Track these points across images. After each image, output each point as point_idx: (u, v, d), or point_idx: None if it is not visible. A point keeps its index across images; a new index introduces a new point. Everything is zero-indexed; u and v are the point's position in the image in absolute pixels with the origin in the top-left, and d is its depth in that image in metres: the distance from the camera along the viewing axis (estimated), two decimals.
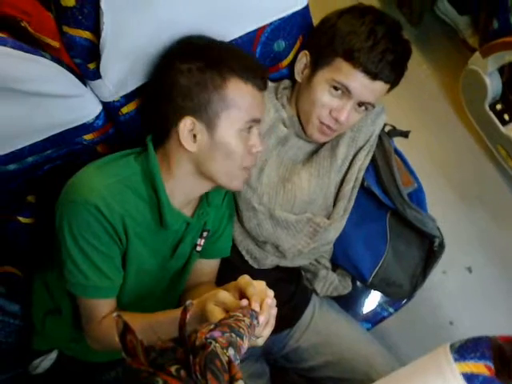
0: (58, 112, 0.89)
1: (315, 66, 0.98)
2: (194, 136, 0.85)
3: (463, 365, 0.52)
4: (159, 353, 0.47)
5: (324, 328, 1.16)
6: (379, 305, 1.26)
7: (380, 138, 1.07)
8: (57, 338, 1.01)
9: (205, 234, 0.99)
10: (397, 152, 1.09)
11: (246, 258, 1.07)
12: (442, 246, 1.11)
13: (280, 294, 1.10)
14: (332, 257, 1.18)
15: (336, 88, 0.96)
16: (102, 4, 0.73)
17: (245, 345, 0.54)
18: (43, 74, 0.77)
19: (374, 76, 0.93)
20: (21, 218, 1.08)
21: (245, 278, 0.71)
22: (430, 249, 1.13)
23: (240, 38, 0.97)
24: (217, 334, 0.51)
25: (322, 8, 1.06)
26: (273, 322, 0.69)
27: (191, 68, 0.83)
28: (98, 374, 1.04)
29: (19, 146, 0.92)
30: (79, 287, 0.86)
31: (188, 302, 0.51)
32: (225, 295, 0.68)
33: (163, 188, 0.87)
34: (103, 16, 0.74)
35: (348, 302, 1.25)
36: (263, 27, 0.98)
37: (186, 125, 0.84)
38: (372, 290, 1.27)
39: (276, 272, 1.10)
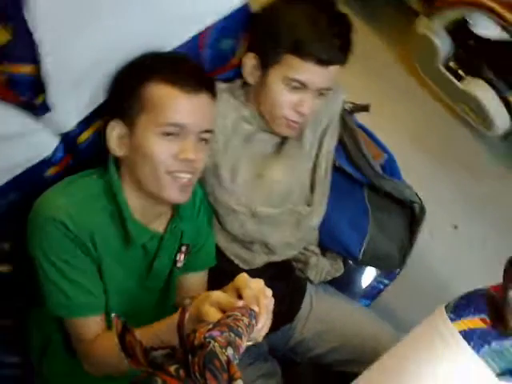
0: (13, 153, 0.87)
1: (264, 65, 0.97)
2: (121, 140, 0.85)
3: (460, 323, 0.52)
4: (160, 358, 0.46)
5: (324, 314, 1.16)
6: (374, 279, 1.27)
7: (342, 116, 1.08)
8: (54, 376, 0.98)
9: (183, 248, 0.97)
10: (361, 127, 1.10)
11: (236, 262, 1.07)
12: (422, 210, 1.12)
13: (275, 290, 1.10)
14: (319, 242, 1.18)
15: (291, 84, 0.95)
16: (37, 35, 0.71)
17: (243, 344, 0.54)
18: None
19: (327, 63, 0.93)
20: (1, 269, 1.05)
21: (243, 277, 0.68)
22: (411, 215, 1.14)
23: (185, 44, 0.96)
24: (215, 333, 0.50)
25: None
26: (269, 322, 0.68)
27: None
28: None
29: None
30: (62, 308, 0.84)
31: (187, 302, 0.51)
32: (218, 295, 0.66)
33: (124, 201, 0.86)
34: (40, 47, 0.72)
35: (343, 283, 1.25)
36: (206, 30, 0.97)
37: (110, 129, 0.85)
38: (364, 267, 1.28)
39: (267, 269, 1.09)
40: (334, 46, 0.92)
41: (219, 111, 0.99)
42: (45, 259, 0.82)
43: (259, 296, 0.65)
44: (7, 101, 0.82)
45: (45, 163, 0.92)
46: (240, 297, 0.67)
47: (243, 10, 1.00)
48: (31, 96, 0.82)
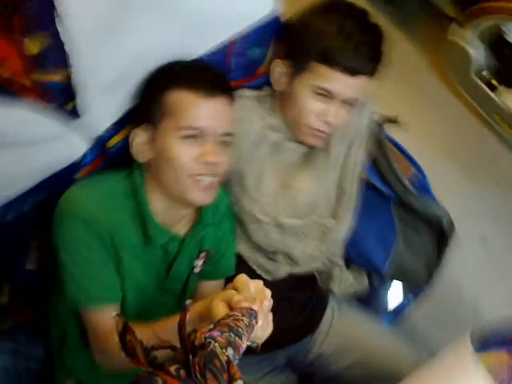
0: (44, 157, 0.89)
1: (292, 73, 0.97)
2: (144, 146, 0.88)
3: (485, 356, 0.50)
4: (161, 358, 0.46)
5: (345, 329, 1.15)
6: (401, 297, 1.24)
7: (371, 128, 1.06)
8: (72, 369, 1.00)
9: (202, 254, 0.97)
10: (390, 140, 1.08)
11: (258, 272, 1.06)
12: (451, 227, 1.09)
13: (296, 301, 1.11)
14: (344, 254, 1.17)
15: (318, 93, 0.95)
16: (68, 46, 0.72)
17: (244, 344, 0.54)
18: (20, 124, 0.78)
19: (354, 72, 0.92)
20: (28, 265, 1.07)
21: (242, 278, 0.68)
22: (440, 231, 1.11)
23: (211, 52, 0.97)
24: (216, 333, 0.50)
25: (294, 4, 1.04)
26: (269, 327, 0.67)
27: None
28: None
29: (12, 195, 0.92)
30: (79, 300, 0.87)
31: (188, 302, 0.52)
32: (233, 293, 0.66)
33: (145, 203, 0.89)
34: (70, 57, 0.74)
35: (367, 298, 1.24)
36: (235, 38, 0.97)
37: (132, 136, 0.88)
38: (390, 282, 1.26)
39: (290, 280, 1.09)
40: (362, 56, 0.91)
41: (244, 118, 0.99)
42: (65, 252, 0.86)
43: (260, 295, 0.66)
44: (39, 106, 0.84)
45: (75, 166, 0.94)
46: None
47: (274, 19, 1.00)
48: (62, 103, 0.83)
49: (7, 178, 0.90)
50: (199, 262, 0.98)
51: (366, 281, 1.18)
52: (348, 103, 0.97)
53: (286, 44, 0.99)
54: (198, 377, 0.44)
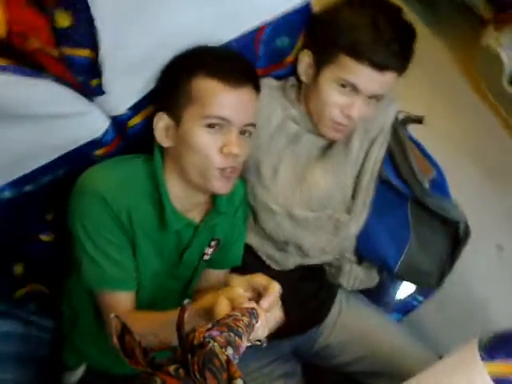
0: (66, 131, 0.89)
1: (319, 64, 0.96)
2: (168, 131, 0.87)
3: (491, 365, 0.49)
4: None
5: (352, 323, 1.15)
6: (408, 294, 1.24)
7: (394, 127, 1.04)
8: (83, 351, 1.02)
9: (213, 243, 0.98)
10: (412, 139, 1.06)
11: (268, 262, 1.06)
12: (466, 231, 1.08)
13: (304, 291, 1.11)
14: (356, 249, 1.16)
15: (343, 86, 0.93)
16: (97, 22, 0.73)
17: (243, 344, 0.54)
18: (45, 96, 0.78)
19: (382, 68, 0.90)
20: (43, 237, 1.09)
21: (238, 292, 0.66)
22: (455, 234, 1.10)
23: (240, 38, 0.96)
24: (215, 333, 0.50)
25: None
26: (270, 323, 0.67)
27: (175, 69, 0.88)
28: None
29: (32, 168, 0.93)
30: (96, 281, 0.88)
31: (186, 301, 0.52)
32: (237, 292, 0.66)
33: (164, 187, 0.88)
34: (99, 33, 0.74)
35: (377, 294, 1.23)
36: (264, 25, 0.97)
37: (157, 119, 0.87)
38: (401, 282, 1.25)
39: (299, 271, 1.09)
40: (391, 52, 0.89)
41: (265, 108, 0.99)
42: (83, 232, 0.85)
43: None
44: (65, 80, 0.85)
45: (94, 143, 0.94)
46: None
47: (305, 9, 0.99)
48: (87, 79, 0.84)
49: (29, 149, 0.91)
50: (209, 250, 0.98)
51: (376, 277, 1.17)
52: (373, 99, 0.96)
53: (315, 34, 0.98)
54: (198, 376, 0.44)
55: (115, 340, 0.46)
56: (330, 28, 0.93)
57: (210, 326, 0.52)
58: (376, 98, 0.96)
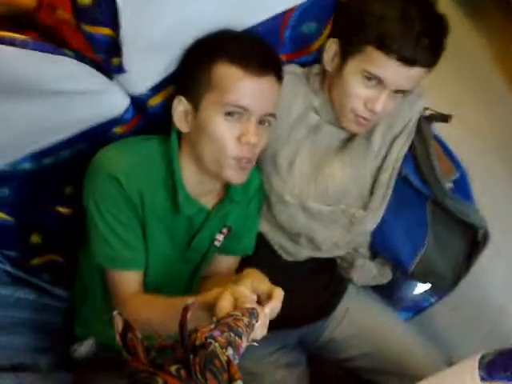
0: (86, 107, 0.90)
1: (345, 54, 0.92)
2: (187, 116, 0.86)
3: None
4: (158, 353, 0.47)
5: (360, 319, 1.14)
6: (421, 293, 1.22)
7: (419, 124, 1.01)
8: (91, 324, 1.04)
9: (224, 230, 0.98)
10: (437, 138, 1.03)
11: (279, 252, 1.06)
12: (486, 236, 1.04)
13: (314, 283, 1.11)
14: (370, 245, 1.14)
15: (369, 78, 0.90)
16: (118, 1, 0.71)
17: (243, 344, 0.54)
18: (65, 72, 0.78)
19: (411, 63, 0.86)
20: (60, 209, 1.11)
21: (244, 291, 0.66)
22: (473, 238, 1.07)
23: (266, 21, 0.93)
24: (216, 333, 0.50)
25: None
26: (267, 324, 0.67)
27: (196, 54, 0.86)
28: None
29: (53, 141, 0.94)
30: (105, 258, 0.89)
31: (189, 301, 0.51)
32: (242, 292, 0.65)
33: (178, 172, 0.88)
34: (120, 12, 0.73)
35: (388, 291, 1.22)
36: (291, 10, 0.94)
37: (176, 102, 0.86)
38: (415, 281, 1.23)
39: (309, 262, 1.08)
40: (421, 46, 0.85)
41: (286, 96, 0.96)
42: (96, 210, 0.86)
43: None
44: (87, 56, 0.85)
45: (114, 121, 0.95)
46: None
47: None
48: (108, 56, 0.83)
49: (49, 123, 0.91)
50: (221, 237, 0.98)
51: (389, 274, 1.15)
52: (399, 94, 0.92)
53: (343, 23, 0.95)
54: (199, 377, 0.44)
55: (117, 338, 0.46)
56: (359, 18, 0.89)
57: (212, 326, 0.52)
58: (402, 92, 0.92)
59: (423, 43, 0.85)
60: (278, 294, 0.68)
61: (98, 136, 0.96)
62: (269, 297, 0.68)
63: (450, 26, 0.90)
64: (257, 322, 0.61)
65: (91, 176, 0.87)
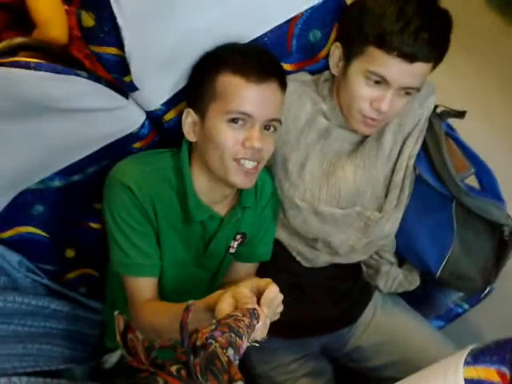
0: (104, 124, 0.96)
1: (348, 57, 0.93)
2: (195, 126, 0.90)
3: (471, 369, 0.46)
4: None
5: (387, 326, 1.11)
6: (452, 301, 1.16)
7: (430, 121, 0.99)
8: None
9: (238, 236, 1.00)
10: (450, 134, 1.00)
11: (298, 258, 1.06)
12: None
13: (336, 291, 1.09)
14: (396, 251, 1.12)
15: (373, 78, 0.90)
16: (119, 20, 0.77)
17: (244, 345, 0.54)
18: (79, 91, 0.84)
19: (411, 59, 0.86)
20: (92, 224, 1.17)
21: (244, 292, 0.67)
22: (500, 238, 1.02)
23: (271, 32, 0.96)
24: (217, 333, 0.51)
25: None
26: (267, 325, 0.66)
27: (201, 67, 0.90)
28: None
29: (77, 158, 1.01)
30: (122, 266, 0.93)
31: (190, 302, 0.52)
32: (243, 293, 0.66)
33: (189, 180, 0.92)
34: (122, 31, 0.78)
35: (418, 299, 1.17)
36: (295, 19, 0.96)
37: (185, 115, 0.90)
38: (448, 288, 1.18)
39: (330, 269, 1.07)
40: (420, 41, 0.84)
41: (295, 103, 0.98)
42: (112, 219, 0.91)
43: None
44: (102, 76, 0.91)
45: (132, 137, 1.00)
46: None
47: (337, 1, 0.97)
48: (120, 75, 0.89)
49: (74, 141, 0.98)
50: (235, 243, 1.00)
51: (417, 281, 1.12)
52: (405, 92, 0.92)
53: (344, 26, 0.96)
54: (199, 377, 0.45)
55: (118, 337, 0.47)
56: (359, 19, 0.90)
57: (213, 327, 0.53)
58: (408, 90, 0.91)
59: (422, 38, 0.84)
60: (273, 286, 0.68)
61: (118, 151, 1.02)
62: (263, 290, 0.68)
63: (452, 20, 0.89)
64: (257, 322, 0.62)
65: (107, 188, 0.92)
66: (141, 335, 0.48)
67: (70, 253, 1.19)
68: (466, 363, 0.48)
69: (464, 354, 0.50)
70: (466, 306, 1.15)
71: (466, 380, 0.45)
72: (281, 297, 0.69)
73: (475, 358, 0.48)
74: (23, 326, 1.03)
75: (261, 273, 1.07)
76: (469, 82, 1.12)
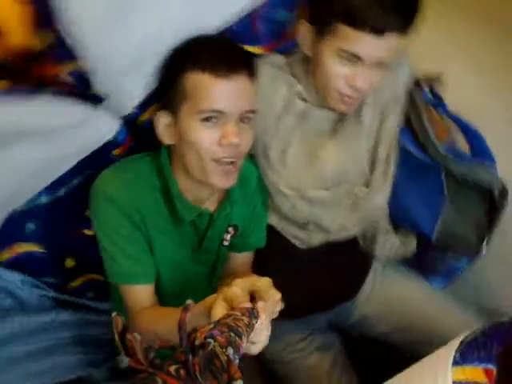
0: (78, 138, 0.93)
1: (318, 36, 0.90)
2: (169, 128, 0.88)
3: (459, 370, 0.47)
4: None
5: (389, 293, 1.13)
6: (450, 257, 1.17)
7: (411, 94, 0.96)
8: None
9: (230, 229, 0.99)
10: (430, 101, 0.97)
11: (293, 241, 1.07)
12: (502, 195, 0.98)
13: (334, 266, 1.10)
14: (390, 218, 1.12)
15: (344, 56, 0.87)
16: (73, 39, 0.74)
17: (243, 344, 0.54)
18: (44, 111, 0.82)
19: (380, 31, 0.83)
20: (86, 231, 1.18)
21: (237, 291, 0.67)
22: (491, 201, 1.01)
23: (236, 18, 0.93)
24: (216, 333, 0.51)
25: None
26: (269, 327, 0.67)
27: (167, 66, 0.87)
28: None
29: (59, 174, 1.00)
30: (116, 275, 0.93)
31: (188, 302, 0.52)
32: (235, 292, 0.66)
33: (172, 181, 0.91)
34: (77, 49, 0.75)
35: (416, 264, 1.18)
36: (257, 3, 0.92)
37: (157, 117, 0.88)
38: (444, 248, 1.18)
39: (325, 246, 1.08)
40: (386, 11, 0.81)
41: (267, 88, 0.96)
42: (100, 229, 0.91)
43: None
44: (67, 91, 0.88)
45: (109, 144, 0.98)
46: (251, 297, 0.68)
47: None
48: (84, 88, 0.87)
49: (54, 158, 0.96)
50: (228, 236, 1.00)
51: (414, 243, 1.13)
52: (378, 66, 0.89)
53: (311, 5, 0.92)
54: (198, 377, 0.45)
55: (116, 338, 0.48)
56: None
57: (211, 326, 0.53)
58: (381, 64, 0.89)
59: (387, 7, 0.81)
60: (272, 295, 0.68)
61: (99, 161, 1.00)
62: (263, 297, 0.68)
63: None
64: (257, 321, 0.62)
65: (92, 199, 0.92)
66: (139, 336, 0.49)
67: (69, 262, 1.20)
68: (455, 363, 0.48)
69: (453, 350, 0.50)
70: (465, 261, 1.16)
71: (454, 383, 0.45)
72: (279, 295, 0.69)
73: (464, 357, 0.48)
74: (34, 343, 1.04)
75: (259, 260, 1.08)
76: (465, 42, 1.08)
